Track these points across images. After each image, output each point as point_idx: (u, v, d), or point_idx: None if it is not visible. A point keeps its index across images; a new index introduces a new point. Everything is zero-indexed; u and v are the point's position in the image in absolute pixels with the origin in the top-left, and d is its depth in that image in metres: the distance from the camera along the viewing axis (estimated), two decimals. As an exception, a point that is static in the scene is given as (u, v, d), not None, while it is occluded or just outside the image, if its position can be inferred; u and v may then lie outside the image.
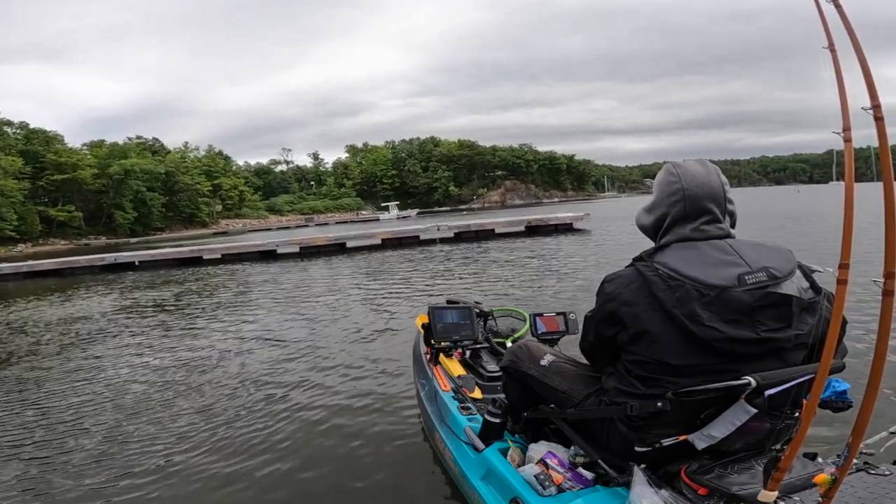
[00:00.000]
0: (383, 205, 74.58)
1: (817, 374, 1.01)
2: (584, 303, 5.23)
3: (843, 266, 0.98)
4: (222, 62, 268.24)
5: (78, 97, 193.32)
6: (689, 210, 1.37)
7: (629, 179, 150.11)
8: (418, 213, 64.70)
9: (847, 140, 1.01)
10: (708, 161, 1.44)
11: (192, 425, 3.23)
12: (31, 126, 50.85)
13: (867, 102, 1.00)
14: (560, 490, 1.54)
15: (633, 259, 1.42)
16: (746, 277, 1.23)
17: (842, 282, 0.98)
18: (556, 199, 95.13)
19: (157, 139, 71.19)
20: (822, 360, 0.99)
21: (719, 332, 1.22)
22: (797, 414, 1.24)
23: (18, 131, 50.20)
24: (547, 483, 1.59)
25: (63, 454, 2.97)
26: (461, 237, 17.86)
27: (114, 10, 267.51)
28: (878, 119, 1.00)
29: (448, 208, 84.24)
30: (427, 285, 8.46)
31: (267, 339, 5.40)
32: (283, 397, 3.60)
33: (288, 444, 2.87)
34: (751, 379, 1.16)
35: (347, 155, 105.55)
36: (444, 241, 17.17)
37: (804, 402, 1.07)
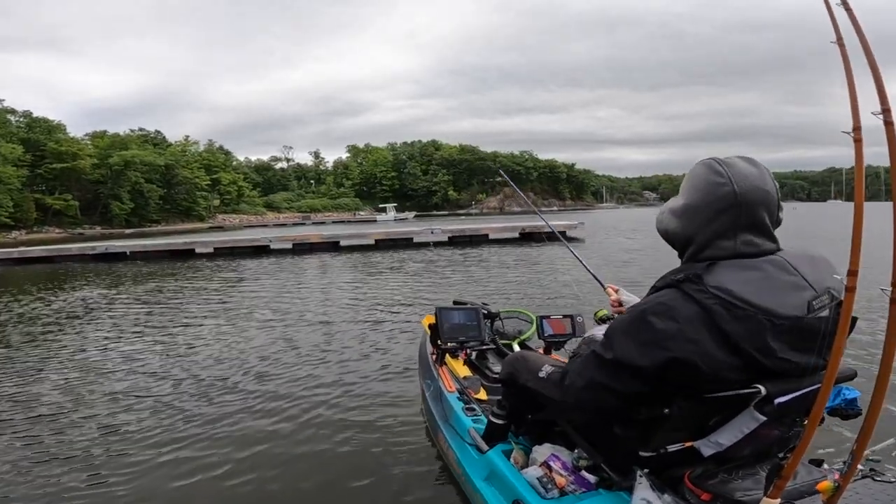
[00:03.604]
0: (381, 206, 74.55)
1: (823, 383, 0.99)
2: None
3: (852, 273, 0.95)
4: (225, 57, 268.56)
5: (79, 87, 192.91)
6: (741, 220, 1.16)
7: (628, 191, 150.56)
8: (415, 216, 64.69)
9: (857, 140, 0.96)
10: (756, 160, 1.22)
11: (182, 421, 3.19)
12: (35, 115, 50.81)
13: (877, 108, 0.95)
14: (563, 493, 1.54)
15: (674, 279, 1.18)
16: (814, 303, 1.12)
17: (850, 289, 0.95)
18: (555, 208, 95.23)
19: (159, 131, 71.10)
20: (829, 368, 0.98)
21: (790, 363, 1.12)
22: (806, 422, 1.18)
23: (21, 119, 50.03)
24: (549, 486, 1.60)
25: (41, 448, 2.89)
26: (455, 241, 17.96)
27: (116, 1, 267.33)
28: (888, 123, 0.95)
29: (446, 212, 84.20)
30: (420, 287, 8.49)
31: (259, 335, 5.37)
32: (279, 395, 3.58)
33: (287, 443, 2.86)
34: (761, 387, 1.12)
35: (348, 155, 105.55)
36: (437, 244, 17.27)
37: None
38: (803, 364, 1.12)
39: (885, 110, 0.95)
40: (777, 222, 1.21)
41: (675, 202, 1.28)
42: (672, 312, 1.13)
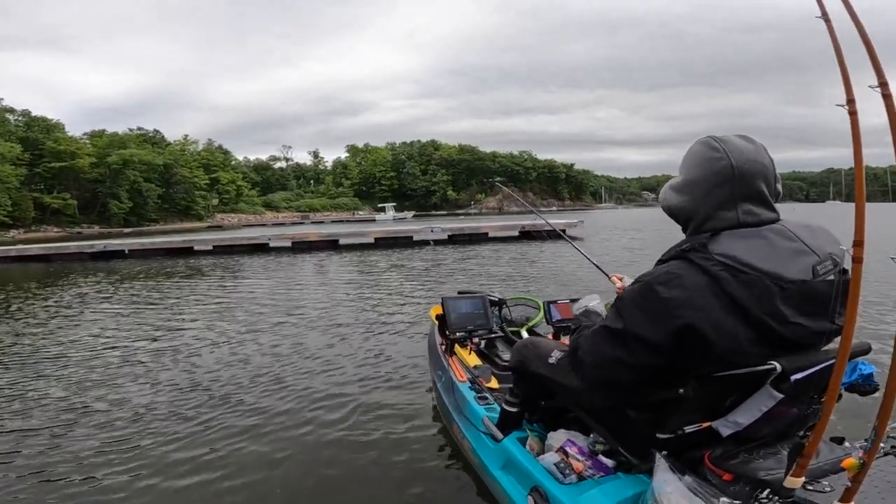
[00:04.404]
0: (380, 206, 74.54)
1: (838, 357, 0.98)
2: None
3: (858, 244, 0.94)
4: (224, 57, 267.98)
5: (78, 87, 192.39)
6: (738, 191, 1.19)
7: (627, 191, 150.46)
8: (414, 216, 64.67)
9: (852, 112, 0.96)
10: (751, 137, 1.26)
11: (186, 422, 3.16)
12: (34, 114, 50.77)
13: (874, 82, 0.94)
14: (581, 478, 1.55)
15: (679, 250, 1.21)
16: (818, 268, 1.15)
17: (857, 260, 0.94)
18: (554, 208, 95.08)
19: (157, 131, 70.84)
20: (843, 342, 0.98)
21: (804, 328, 1.13)
22: (824, 399, 1.18)
23: (20, 118, 49.97)
24: (567, 471, 1.60)
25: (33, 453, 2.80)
26: (455, 239, 17.99)
27: (116, 1, 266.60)
28: (887, 96, 0.94)
29: (445, 212, 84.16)
30: (423, 283, 8.48)
31: (262, 335, 5.33)
32: (288, 394, 3.54)
33: (299, 440, 2.82)
34: (776, 364, 1.12)
35: (347, 154, 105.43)
36: (437, 242, 17.29)
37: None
38: (817, 329, 1.14)
39: (882, 83, 0.95)
40: (776, 194, 1.25)
41: (676, 179, 1.33)
42: (679, 280, 1.15)
